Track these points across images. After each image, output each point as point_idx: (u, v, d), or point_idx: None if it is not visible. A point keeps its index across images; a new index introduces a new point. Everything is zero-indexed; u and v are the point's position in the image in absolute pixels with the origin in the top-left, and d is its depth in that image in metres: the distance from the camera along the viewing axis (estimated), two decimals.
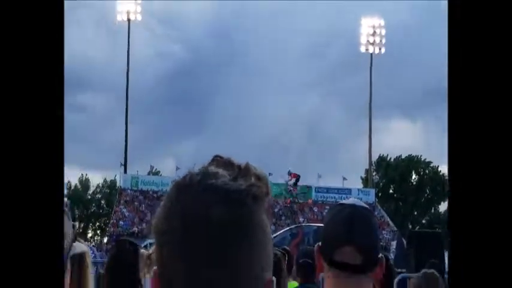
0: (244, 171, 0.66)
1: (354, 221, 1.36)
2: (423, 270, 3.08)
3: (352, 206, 1.40)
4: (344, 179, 41.99)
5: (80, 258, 2.43)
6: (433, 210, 46.49)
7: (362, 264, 1.32)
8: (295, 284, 3.69)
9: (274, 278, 0.55)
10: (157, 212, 0.65)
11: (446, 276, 5.76)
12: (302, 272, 3.64)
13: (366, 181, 45.34)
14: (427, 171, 46.88)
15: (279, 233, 17.31)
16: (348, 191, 39.20)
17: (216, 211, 0.61)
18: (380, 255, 1.37)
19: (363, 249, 1.33)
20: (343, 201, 1.45)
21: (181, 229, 0.61)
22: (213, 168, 0.65)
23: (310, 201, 38.27)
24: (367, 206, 1.45)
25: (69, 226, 1.03)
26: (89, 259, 2.62)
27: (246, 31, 72.51)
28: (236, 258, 0.61)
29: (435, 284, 2.87)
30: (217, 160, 0.67)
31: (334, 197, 35.27)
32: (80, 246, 2.38)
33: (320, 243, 1.41)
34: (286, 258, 3.64)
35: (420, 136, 70.49)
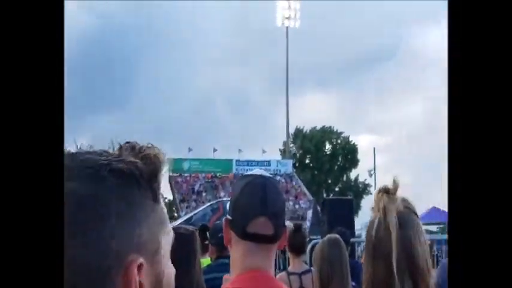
0: (122, 150, 0.66)
1: (267, 191, 1.36)
2: (327, 236, 3.14)
3: (262, 177, 1.39)
4: (263, 151, 42.99)
5: None
6: (345, 178, 48.93)
7: (274, 234, 1.34)
8: (208, 260, 3.66)
9: (142, 260, 0.62)
10: None
11: (353, 240, 6.18)
12: (219, 246, 3.55)
13: (284, 152, 46.66)
14: (339, 141, 49.09)
15: (200, 209, 17.36)
16: (268, 163, 40.16)
17: (68, 184, 0.60)
18: (285, 223, 1.40)
19: (275, 219, 1.34)
20: (250, 173, 1.44)
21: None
22: (88, 149, 0.66)
23: (231, 175, 38.74)
24: (271, 176, 1.46)
25: None
26: None
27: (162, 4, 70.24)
28: (87, 232, 0.60)
29: (337, 248, 2.92)
30: (123, 146, 0.67)
31: None
32: None
33: (229, 217, 1.39)
34: (202, 235, 3.50)
35: (333, 107, 73.31)
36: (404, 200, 1.42)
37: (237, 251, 1.37)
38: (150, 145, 0.67)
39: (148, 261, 0.63)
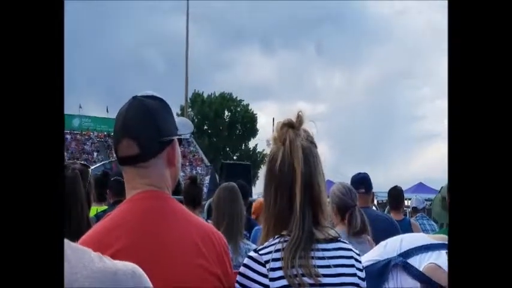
0: None
1: (129, 112, 1.32)
2: (225, 183, 3.26)
3: (133, 98, 1.36)
4: None
5: None
6: (243, 146, 49.58)
7: (140, 154, 1.30)
8: (104, 207, 3.68)
9: None
10: None
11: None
12: (113, 190, 3.67)
13: (181, 116, 45.73)
14: (238, 109, 49.35)
15: (92, 167, 16.52)
16: None
17: None
18: (166, 138, 1.33)
19: (139, 138, 1.30)
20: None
21: None
22: None
23: None
24: (158, 96, 1.38)
25: None
26: None
27: None
28: None
29: (231, 192, 3.08)
30: None
31: None
32: None
33: None
34: (101, 182, 3.59)
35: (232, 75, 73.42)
36: (305, 132, 1.42)
37: (125, 178, 1.36)
38: None
39: None
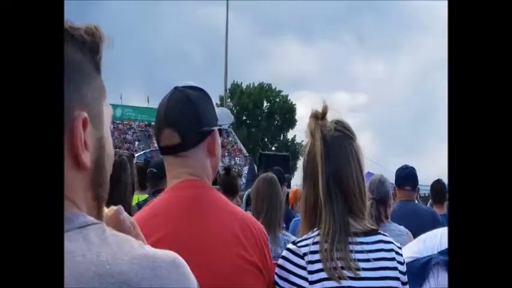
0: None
1: (171, 102, 1.33)
2: (264, 174, 3.24)
3: (175, 89, 1.37)
4: None
5: None
6: (281, 137, 49.47)
7: (181, 143, 1.32)
8: (145, 196, 3.75)
9: (86, 115, 0.72)
10: None
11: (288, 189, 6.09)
12: (151, 181, 3.77)
13: (221, 107, 45.80)
14: (277, 100, 49.20)
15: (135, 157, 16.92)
16: None
17: None
18: (206, 128, 1.34)
19: (180, 128, 1.31)
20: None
21: None
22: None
23: None
24: (199, 87, 1.38)
25: None
26: None
27: None
28: None
29: (270, 185, 3.06)
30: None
31: None
32: None
33: None
34: (143, 171, 3.71)
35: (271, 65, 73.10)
36: (337, 123, 1.41)
37: (166, 167, 1.37)
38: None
39: (91, 122, 0.72)
